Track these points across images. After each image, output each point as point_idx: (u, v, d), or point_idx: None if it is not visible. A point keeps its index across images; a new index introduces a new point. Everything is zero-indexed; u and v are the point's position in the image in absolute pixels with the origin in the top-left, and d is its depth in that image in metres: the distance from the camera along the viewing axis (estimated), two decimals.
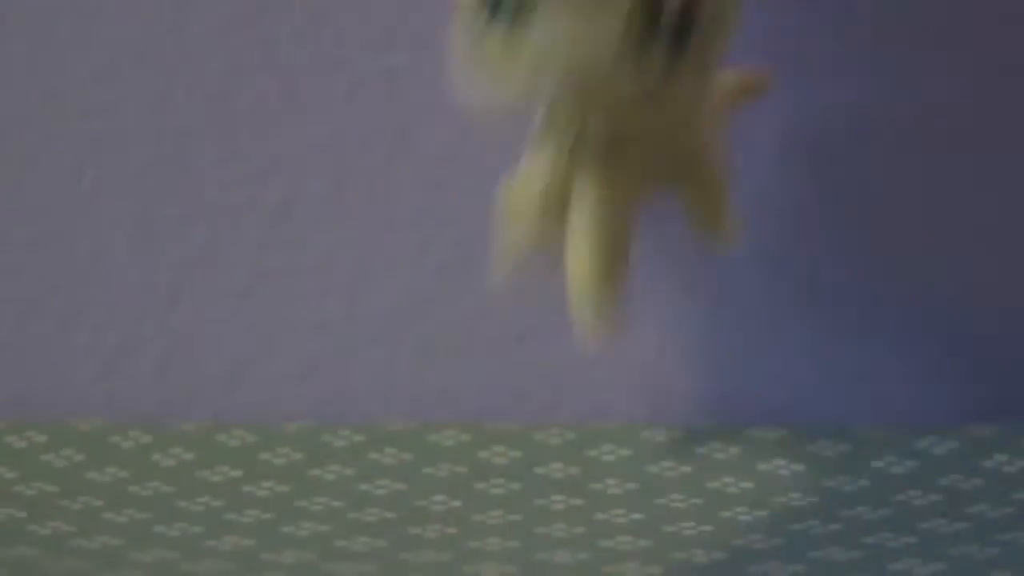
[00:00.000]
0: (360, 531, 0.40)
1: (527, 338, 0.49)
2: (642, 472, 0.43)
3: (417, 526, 0.40)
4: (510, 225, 0.40)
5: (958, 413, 0.48)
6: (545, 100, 0.36)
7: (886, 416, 0.48)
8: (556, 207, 0.38)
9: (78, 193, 0.50)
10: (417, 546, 0.39)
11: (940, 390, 0.49)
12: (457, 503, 0.42)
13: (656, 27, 0.36)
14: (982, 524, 0.39)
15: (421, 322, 0.49)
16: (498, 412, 0.48)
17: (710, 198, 0.39)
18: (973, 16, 0.48)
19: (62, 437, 0.45)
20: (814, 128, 0.49)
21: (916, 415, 0.48)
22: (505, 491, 0.43)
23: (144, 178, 0.50)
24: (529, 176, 0.39)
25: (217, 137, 0.50)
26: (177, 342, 0.50)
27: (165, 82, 0.50)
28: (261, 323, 0.50)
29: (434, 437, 0.46)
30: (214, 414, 0.50)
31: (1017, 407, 0.48)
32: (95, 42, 0.50)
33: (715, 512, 0.40)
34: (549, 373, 0.48)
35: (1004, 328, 0.49)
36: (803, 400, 0.49)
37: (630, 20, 0.35)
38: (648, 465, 0.43)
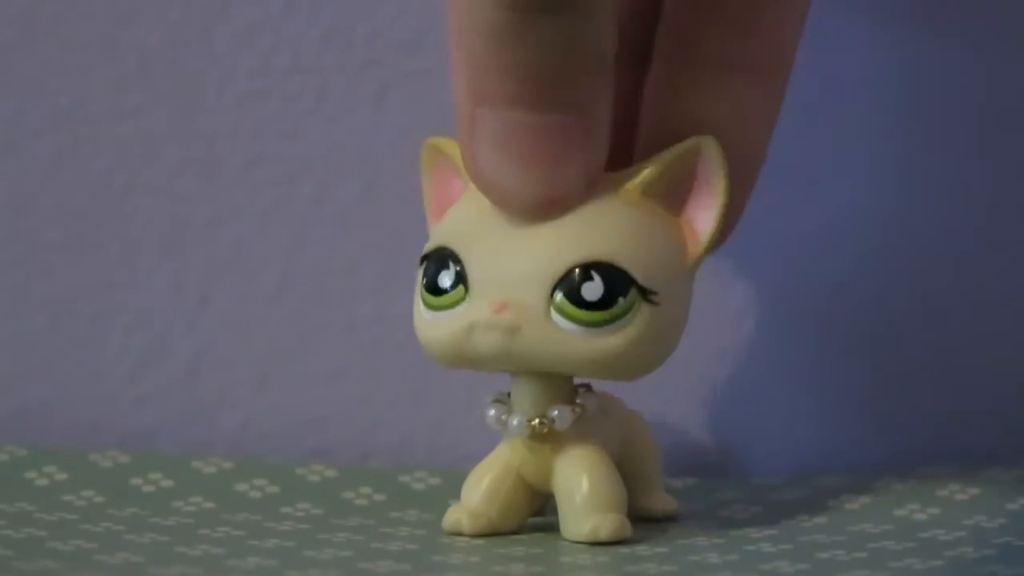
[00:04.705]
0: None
1: None
2: None
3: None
4: None
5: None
6: None
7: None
8: None
9: (108, 196, 0.50)
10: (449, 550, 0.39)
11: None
12: None
13: None
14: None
15: None
16: None
17: None
18: None
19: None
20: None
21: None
22: None
23: (174, 180, 0.50)
24: None
25: (246, 139, 0.50)
26: (207, 344, 0.50)
27: (194, 84, 0.50)
28: (291, 325, 0.50)
29: None
30: (244, 416, 0.50)
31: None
32: (125, 45, 0.50)
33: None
34: None
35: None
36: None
37: None
38: None
